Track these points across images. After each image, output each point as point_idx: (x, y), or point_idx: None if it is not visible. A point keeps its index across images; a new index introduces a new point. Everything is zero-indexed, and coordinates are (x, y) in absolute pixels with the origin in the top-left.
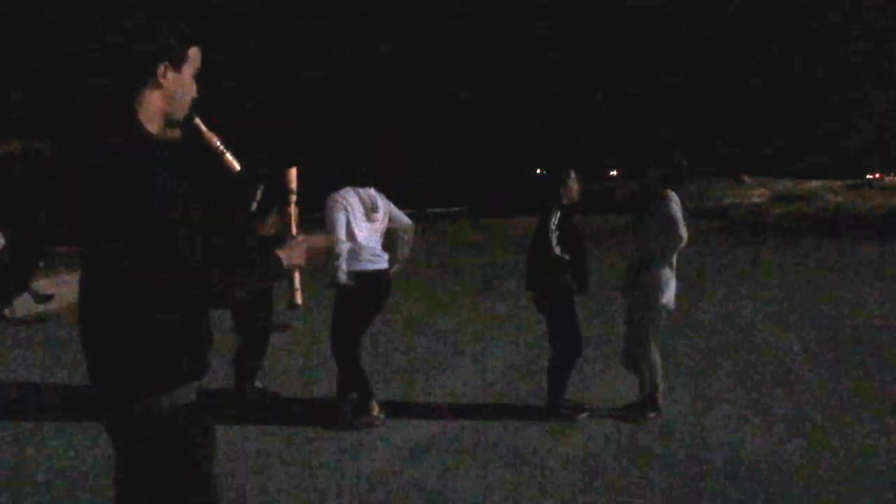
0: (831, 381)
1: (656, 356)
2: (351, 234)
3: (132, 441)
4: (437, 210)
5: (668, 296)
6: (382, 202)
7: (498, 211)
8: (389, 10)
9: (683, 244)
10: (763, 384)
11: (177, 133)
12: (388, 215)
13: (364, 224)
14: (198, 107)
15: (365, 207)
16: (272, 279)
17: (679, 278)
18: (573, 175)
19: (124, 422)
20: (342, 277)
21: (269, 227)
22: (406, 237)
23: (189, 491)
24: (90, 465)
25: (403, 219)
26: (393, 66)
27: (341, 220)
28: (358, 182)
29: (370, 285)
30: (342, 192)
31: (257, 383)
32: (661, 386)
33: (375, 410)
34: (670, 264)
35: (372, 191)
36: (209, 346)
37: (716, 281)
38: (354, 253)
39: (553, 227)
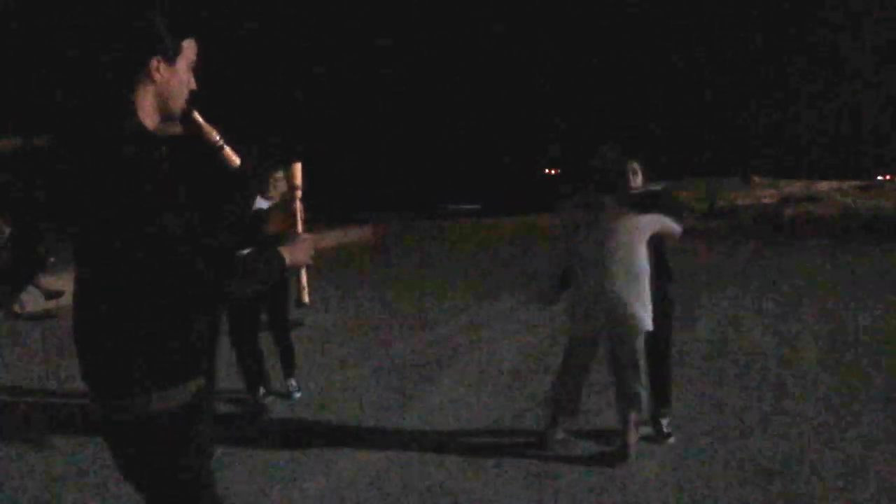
0: (840, 385)
1: (640, 385)
2: None
3: (124, 441)
4: (450, 208)
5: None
6: None
7: (509, 209)
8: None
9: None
10: (771, 387)
11: (176, 128)
12: None
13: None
14: (196, 100)
15: None
16: (273, 279)
17: (686, 280)
18: (635, 166)
19: (116, 422)
20: None
21: (275, 223)
22: None
23: (182, 491)
24: (99, 463)
25: None
26: (404, 62)
27: None
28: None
29: None
30: None
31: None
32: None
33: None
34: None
35: None
36: (204, 346)
37: (724, 282)
38: None
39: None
